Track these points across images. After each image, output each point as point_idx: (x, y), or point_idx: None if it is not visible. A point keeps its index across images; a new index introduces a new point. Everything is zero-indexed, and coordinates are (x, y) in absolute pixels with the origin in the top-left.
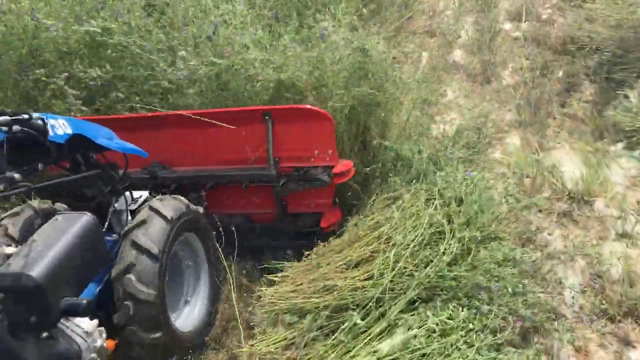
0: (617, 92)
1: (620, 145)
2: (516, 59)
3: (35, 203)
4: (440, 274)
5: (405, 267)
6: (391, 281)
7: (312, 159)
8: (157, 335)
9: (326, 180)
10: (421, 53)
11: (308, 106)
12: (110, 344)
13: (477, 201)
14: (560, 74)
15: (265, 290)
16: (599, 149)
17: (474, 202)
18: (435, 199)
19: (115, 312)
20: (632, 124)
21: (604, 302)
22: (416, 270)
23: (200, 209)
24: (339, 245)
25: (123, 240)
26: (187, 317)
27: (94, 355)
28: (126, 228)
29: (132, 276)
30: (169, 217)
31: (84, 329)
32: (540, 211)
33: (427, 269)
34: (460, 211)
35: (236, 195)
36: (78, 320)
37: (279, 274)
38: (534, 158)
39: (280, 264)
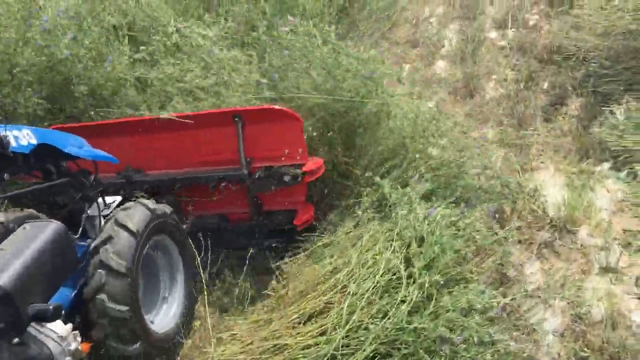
0: (604, 107)
1: (606, 165)
2: (501, 69)
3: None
4: (398, 326)
5: (361, 320)
6: (346, 336)
7: (282, 158)
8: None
9: (297, 178)
10: (402, 65)
11: (277, 107)
12: (85, 346)
13: (438, 241)
14: (546, 85)
15: (213, 352)
16: (584, 170)
17: (434, 243)
18: (394, 240)
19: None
20: (618, 143)
21: (585, 348)
22: (372, 323)
23: (168, 210)
24: (292, 297)
25: (105, 222)
26: (163, 318)
27: (68, 358)
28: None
29: (108, 246)
30: (134, 231)
31: (58, 333)
32: (520, 242)
33: (385, 320)
34: (421, 252)
35: (212, 196)
36: (52, 325)
37: (227, 333)
38: (516, 181)
39: (231, 318)
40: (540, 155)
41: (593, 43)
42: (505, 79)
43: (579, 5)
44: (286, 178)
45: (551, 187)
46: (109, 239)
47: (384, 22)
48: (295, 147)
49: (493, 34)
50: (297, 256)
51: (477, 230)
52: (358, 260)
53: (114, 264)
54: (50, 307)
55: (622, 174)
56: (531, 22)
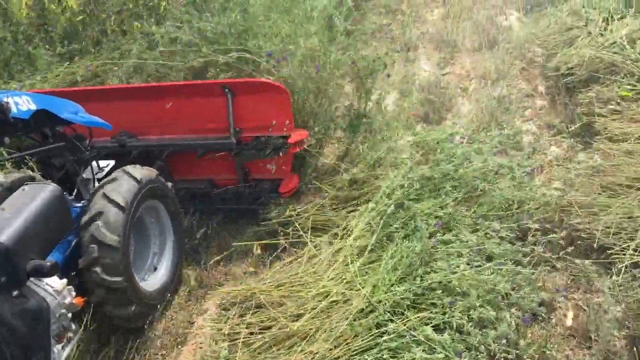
0: None
1: None
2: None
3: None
4: None
5: None
6: None
7: (270, 129)
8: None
9: (283, 148)
10: None
11: (265, 79)
12: (79, 300)
13: None
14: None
15: None
16: None
17: None
18: None
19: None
20: None
21: None
22: None
23: (169, 184)
24: None
25: (94, 194)
26: (155, 276)
27: (63, 310)
28: (99, 184)
29: (99, 222)
30: (123, 205)
31: (53, 287)
32: None
33: None
34: None
35: (202, 162)
36: (49, 280)
37: None
38: None
39: None
40: None
41: None
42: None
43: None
44: (272, 148)
45: None
46: (99, 214)
47: None
48: (282, 118)
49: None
50: None
51: None
52: None
53: (105, 239)
54: (48, 263)
55: None
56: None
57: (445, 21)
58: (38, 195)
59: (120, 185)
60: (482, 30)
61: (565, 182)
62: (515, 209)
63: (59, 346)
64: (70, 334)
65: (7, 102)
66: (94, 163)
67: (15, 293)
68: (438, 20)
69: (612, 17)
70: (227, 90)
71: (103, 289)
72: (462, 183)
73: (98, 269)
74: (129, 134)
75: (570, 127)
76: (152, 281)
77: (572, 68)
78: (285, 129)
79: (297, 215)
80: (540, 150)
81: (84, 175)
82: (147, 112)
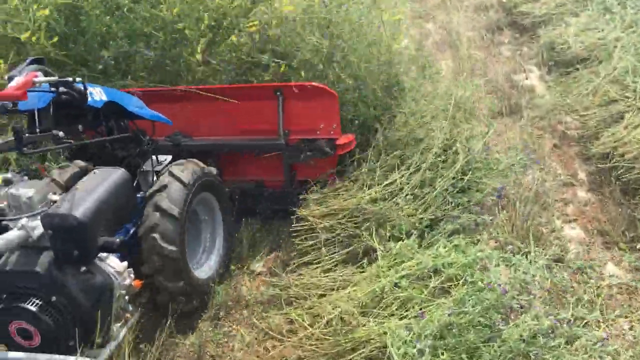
0: None
1: None
2: None
3: (79, 162)
4: None
5: None
6: None
7: (317, 132)
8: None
9: (329, 151)
10: None
11: (315, 84)
12: (137, 283)
13: None
14: None
15: None
16: None
17: None
18: None
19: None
20: None
21: None
22: None
23: (214, 170)
24: None
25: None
26: (204, 266)
27: (123, 291)
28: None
29: (163, 193)
30: (186, 182)
31: (115, 268)
32: None
33: None
34: None
35: (251, 164)
36: (110, 261)
37: None
38: None
39: None
40: None
41: None
42: None
43: None
44: (320, 150)
45: None
46: (164, 187)
47: None
48: (330, 121)
49: None
50: None
51: None
52: None
53: (167, 207)
54: (117, 240)
55: None
56: None
57: (457, 78)
58: (109, 177)
59: (186, 167)
60: (501, 91)
61: None
62: None
63: (118, 325)
64: (127, 315)
65: (86, 89)
66: (153, 157)
67: (83, 269)
68: (448, 74)
69: None
70: (278, 93)
71: (158, 257)
72: (506, 346)
73: (156, 235)
74: (183, 134)
75: (631, 237)
76: (202, 270)
77: (625, 157)
78: (332, 132)
79: None
80: (596, 271)
81: (144, 167)
82: (201, 113)
